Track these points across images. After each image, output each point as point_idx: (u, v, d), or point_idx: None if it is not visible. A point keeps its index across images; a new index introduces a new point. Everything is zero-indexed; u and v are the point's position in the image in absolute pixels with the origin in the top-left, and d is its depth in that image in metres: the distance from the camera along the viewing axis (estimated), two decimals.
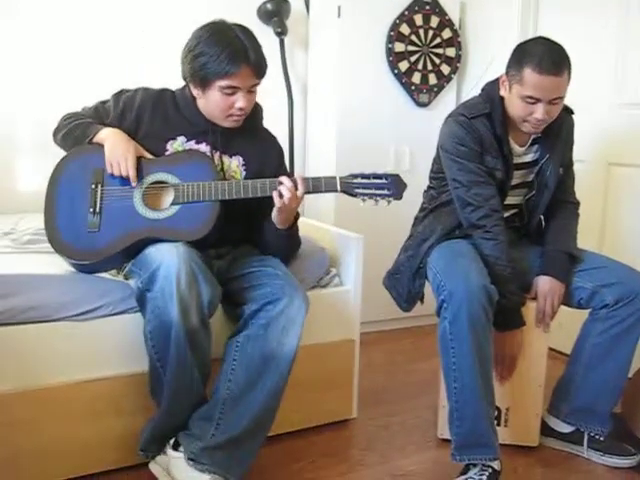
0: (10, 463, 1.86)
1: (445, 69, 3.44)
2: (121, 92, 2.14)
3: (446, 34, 3.42)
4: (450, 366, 2.00)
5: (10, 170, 2.93)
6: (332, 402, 2.38)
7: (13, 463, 1.86)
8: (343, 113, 3.25)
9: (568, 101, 2.18)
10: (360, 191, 2.01)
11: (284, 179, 1.96)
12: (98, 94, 2.22)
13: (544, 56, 1.98)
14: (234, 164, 2.11)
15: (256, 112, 2.19)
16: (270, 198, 1.97)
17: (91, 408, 1.95)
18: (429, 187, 2.37)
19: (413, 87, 3.37)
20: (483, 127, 2.13)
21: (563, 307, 2.20)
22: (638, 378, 2.34)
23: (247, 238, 2.19)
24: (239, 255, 2.15)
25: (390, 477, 2.10)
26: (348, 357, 2.40)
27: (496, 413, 2.15)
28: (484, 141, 2.14)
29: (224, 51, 1.90)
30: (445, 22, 3.41)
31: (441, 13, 3.39)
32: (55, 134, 2.13)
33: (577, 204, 2.34)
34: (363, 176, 2.02)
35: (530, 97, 2.02)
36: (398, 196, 2.03)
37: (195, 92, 2.02)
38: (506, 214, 2.25)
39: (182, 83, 2.09)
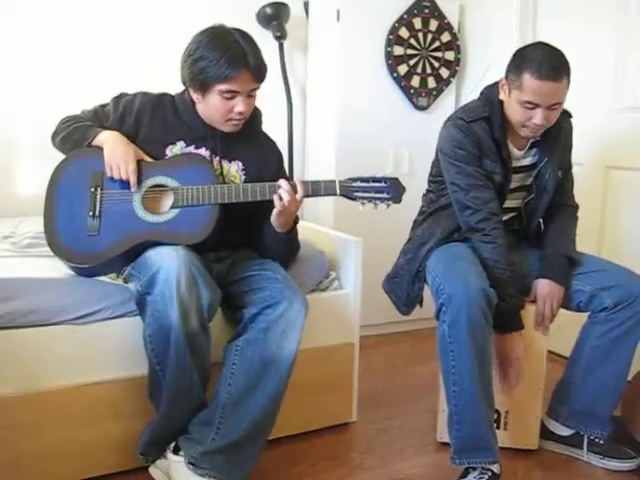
0: (10, 466, 1.85)
1: (444, 72, 3.45)
2: (121, 96, 2.14)
3: (445, 37, 3.43)
4: (449, 369, 2.00)
5: (9, 173, 2.93)
6: (332, 406, 2.38)
7: (13, 466, 1.86)
8: (342, 117, 3.26)
9: (567, 104, 2.18)
10: (359, 195, 2.01)
11: (283, 183, 1.96)
12: (98, 97, 2.22)
13: (543, 62, 1.98)
14: (233, 169, 2.11)
15: (255, 116, 2.19)
16: (269, 202, 1.97)
17: (90, 412, 1.95)
18: (428, 190, 2.38)
19: (412, 91, 3.37)
20: (482, 131, 2.14)
21: (562, 310, 2.20)
22: (637, 381, 2.34)
23: (246, 242, 2.19)
24: (239, 259, 2.15)
25: None
26: (348, 361, 2.40)
27: (495, 416, 2.15)
28: (483, 145, 2.14)
29: (224, 55, 1.91)
30: (444, 25, 3.42)
31: (440, 16, 3.40)
32: (54, 137, 2.12)
33: (576, 207, 2.35)
34: (362, 179, 2.02)
35: (529, 102, 2.02)
36: (397, 199, 2.03)
37: (194, 96, 2.02)
38: (505, 217, 2.26)
39: (182, 87, 2.09)
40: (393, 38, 3.28)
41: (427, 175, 2.38)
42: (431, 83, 3.42)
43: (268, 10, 3.24)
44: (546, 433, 2.27)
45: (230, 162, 2.11)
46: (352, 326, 2.40)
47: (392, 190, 2.03)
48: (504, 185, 2.19)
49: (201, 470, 1.82)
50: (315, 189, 2.00)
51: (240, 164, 2.13)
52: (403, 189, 2.04)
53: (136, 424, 1.96)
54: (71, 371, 1.93)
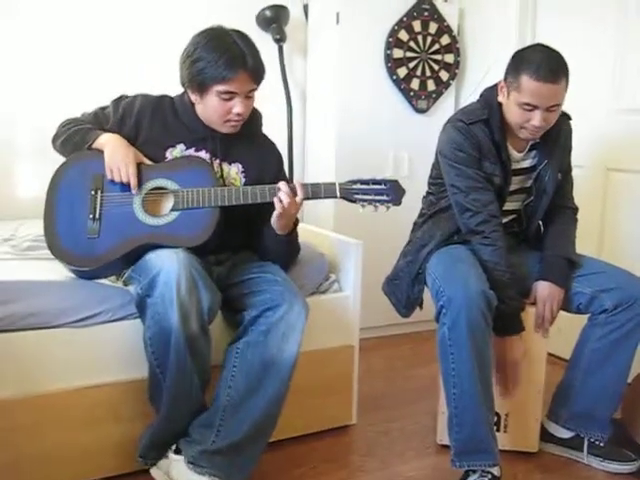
0: (10, 468, 1.85)
1: (444, 75, 3.45)
2: (120, 98, 2.14)
3: (444, 40, 3.43)
4: (449, 372, 2.00)
5: (9, 176, 2.93)
6: (332, 408, 2.38)
7: (14, 468, 1.86)
8: (342, 119, 3.26)
9: (566, 106, 2.18)
10: (359, 197, 2.01)
11: (283, 185, 1.96)
12: (98, 98, 2.22)
13: (542, 63, 1.98)
14: (233, 171, 2.11)
15: (255, 118, 2.19)
16: (269, 204, 1.97)
17: (90, 414, 1.95)
18: (428, 193, 2.38)
19: (412, 93, 3.38)
20: (481, 133, 2.14)
21: (562, 312, 2.20)
22: (637, 383, 2.34)
23: (247, 244, 2.19)
24: (239, 261, 2.15)
25: None
26: (347, 363, 2.40)
27: (495, 419, 2.15)
28: (482, 147, 2.14)
29: (222, 57, 1.91)
30: (443, 28, 3.42)
31: (439, 19, 3.40)
32: (54, 140, 2.12)
33: (576, 209, 2.35)
34: (362, 182, 2.02)
35: (527, 104, 2.03)
36: (397, 202, 2.03)
37: (193, 97, 2.02)
38: (505, 220, 2.26)
39: (182, 89, 2.09)
40: (393, 41, 3.29)
41: (427, 177, 2.38)
42: (431, 86, 3.42)
43: (268, 13, 3.24)
44: (546, 436, 2.27)
45: (230, 164, 2.11)
46: (352, 328, 2.40)
47: (392, 192, 2.02)
48: (504, 187, 2.19)
49: (200, 469, 1.82)
50: (315, 191, 2.00)
51: (240, 166, 2.13)
52: (403, 191, 2.04)
53: (136, 427, 1.96)
54: (71, 374, 1.93)
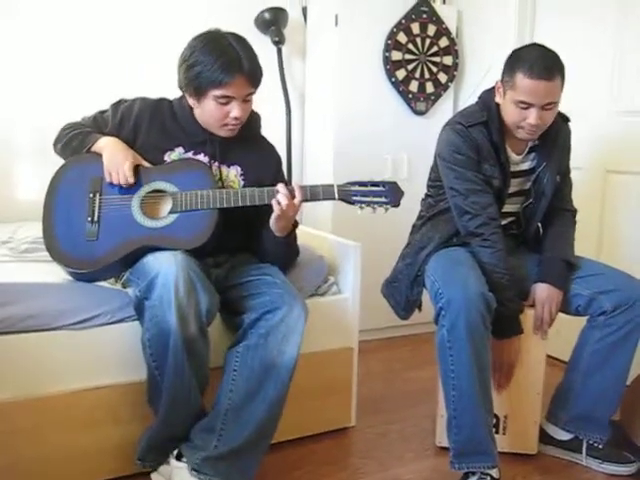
0: (10, 471, 1.85)
1: (442, 77, 3.46)
2: (119, 102, 2.14)
3: (443, 42, 3.43)
4: (448, 374, 2.00)
5: (8, 178, 2.93)
6: (331, 410, 2.38)
7: (13, 471, 1.86)
8: (341, 121, 3.26)
9: (566, 108, 2.19)
10: (358, 199, 2.01)
11: (281, 187, 1.96)
12: (97, 100, 2.23)
13: (537, 61, 1.99)
14: (232, 174, 2.11)
15: (254, 121, 2.19)
16: (268, 206, 1.97)
17: (89, 417, 1.94)
18: (427, 195, 2.38)
19: (410, 95, 3.38)
20: (480, 135, 2.14)
21: (561, 314, 2.20)
22: (636, 385, 2.34)
23: (245, 246, 2.19)
24: (237, 263, 2.15)
25: None
26: (347, 365, 2.40)
27: (494, 421, 2.15)
28: (481, 149, 2.14)
29: (218, 60, 1.90)
30: (442, 30, 3.43)
31: (438, 22, 3.41)
32: (55, 144, 2.13)
33: (574, 212, 2.35)
34: (360, 184, 2.02)
35: (522, 102, 2.03)
36: (395, 204, 2.03)
37: (191, 102, 2.02)
38: (503, 222, 2.26)
39: (180, 92, 2.09)
40: (391, 43, 3.29)
41: (426, 180, 2.38)
42: (429, 88, 3.43)
43: (266, 15, 3.25)
44: (545, 438, 2.27)
45: (229, 167, 2.11)
46: (351, 331, 2.40)
47: (390, 194, 2.02)
48: (503, 190, 2.19)
49: (204, 476, 1.82)
50: (313, 193, 2.00)
51: (239, 169, 2.13)
52: (401, 193, 2.04)
53: (135, 429, 1.96)
54: (70, 376, 1.92)
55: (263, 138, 2.25)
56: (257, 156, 2.16)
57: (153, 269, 1.83)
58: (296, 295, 1.98)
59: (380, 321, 3.20)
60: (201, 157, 2.07)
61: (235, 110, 1.97)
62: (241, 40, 1.98)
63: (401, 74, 3.34)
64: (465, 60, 3.57)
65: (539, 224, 2.33)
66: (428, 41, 3.39)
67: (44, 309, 1.89)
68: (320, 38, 3.36)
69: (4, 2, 2.84)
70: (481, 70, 3.36)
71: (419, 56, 3.37)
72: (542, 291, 2.16)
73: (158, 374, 1.85)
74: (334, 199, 2.01)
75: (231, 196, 1.97)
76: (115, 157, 1.99)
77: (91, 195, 2.00)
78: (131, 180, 1.97)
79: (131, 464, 1.94)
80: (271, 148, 2.24)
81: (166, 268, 1.80)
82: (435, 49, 3.41)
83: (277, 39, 3.26)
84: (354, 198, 2.01)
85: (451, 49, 3.47)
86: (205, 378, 1.92)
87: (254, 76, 1.97)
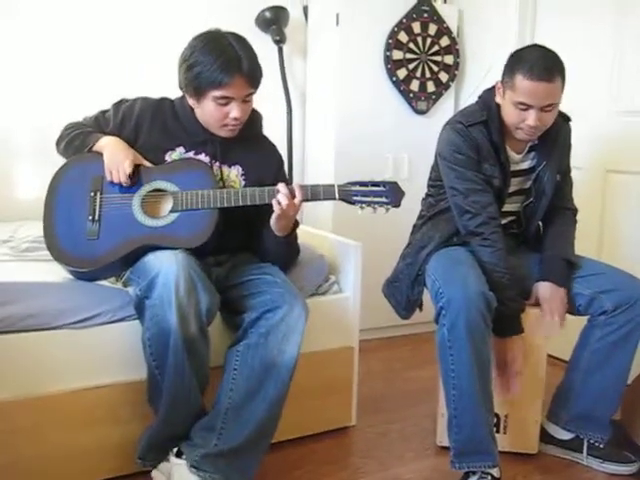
0: (10, 470, 1.85)
1: (443, 77, 3.46)
2: (121, 102, 2.14)
3: (444, 42, 3.43)
4: (449, 373, 2.00)
5: (9, 177, 2.93)
6: (331, 410, 2.38)
7: (13, 470, 1.86)
8: (342, 121, 3.26)
9: (566, 107, 2.19)
10: (358, 199, 2.01)
11: (281, 187, 1.96)
12: (98, 100, 2.23)
13: (537, 62, 1.99)
14: (233, 174, 2.11)
15: (256, 120, 2.19)
16: (269, 206, 1.97)
17: (90, 416, 1.94)
18: (427, 195, 2.38)
19: (411, 95, 3.38)
20: (480, 135, 2.14)
21: None
22: (637, 384, 2.34)
23: (246, 246, 2.19)
24: (238, 263, 2.15)
25: None
26: (347, 364, 2.40)
27: (495, 420, 2.15)
28: (481, 149, 2.14)
29: (217, 60, 1.90)
30: (443, 30, 3.42)
31: (439, 21, 3.41)
32: (57, 144, 2.14)
33: (575, 211, 2.35)
34: (361, 184, 2.02)
35: (522, 103, 2.03)
36: (396, 204, 2.02)
37: (191, 102, 2.02)
38: (504, 221, 2.26)
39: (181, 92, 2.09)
40: (392, 42, 3.29)
41: (426, 179, 2.38)
42: (430, 87, 3.43)
43: (267, 14, 3.24)
44: (546, 437, 2.27)
45: (230, 167, 2.11)
46: (351, 330, 2.40)
47: (391, 194, 2.02)
48: (503, 189, 2.19)
49: (203, 473, 1.82)
50: (314, 193, 2.00)
51: (240, 169, 2.12)
52: (402, 193, 2.04)
53: (135, 428, 1.96)
54: (70, 375, 1.92)
55: (265, 138, 2.25)
56: (258, 156, 2.16)
57: (154, 268, 1.83)
58: (297, 294, 1.98)
59: (381, 320, 3.20)
60: (202, 157, 2.07)
61: (235, 111, 1.97)
62: (241, 40, 1.98)
63: (402, 73, 3.33)
64: (466, 59, 3.57)
65: (539, 223, 2.33)
66: (429, 40, 3.39)
67: (44, 308, 1.89)
68: (321, 37, 3.36)
69: (4, 2, 2.84)
70: (482, 69, 3.36)
71: (420, 55, 3.37)
72: (545, 289, 2.16)
73: (158, 373, 1.85)
74: (335, 199, 2.01)
75: (231, 195, 1.97)
76: (116, 156, 1.99)
77: (92, 194, 2.00)
78: (128, 173, 1.96)
79: (131, 463, 1.95)
80: (272, 148, 2.24)
81: (167, 267, 1.80)
82: (436, 48, 3.41)
83: (278, 38, 3.26)
84: (355, 198, 2.01)
85: (452, 48, 3.46)
86: (205, 377, 1.92)
87: (253, 77, 1.97)
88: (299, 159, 3.54)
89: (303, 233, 2.29)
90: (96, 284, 2.03)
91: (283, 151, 2.39)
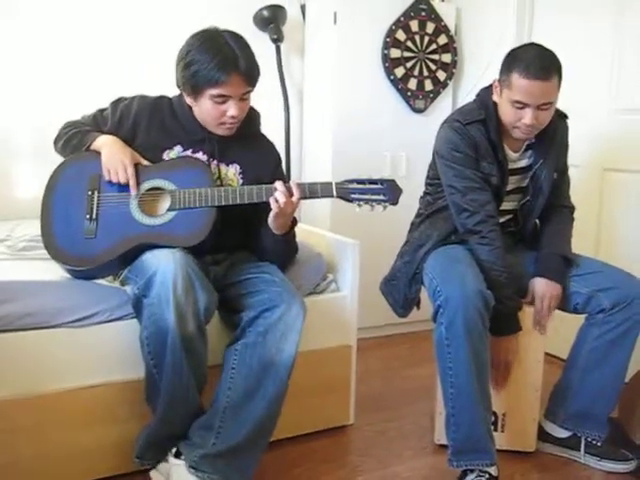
0: (10, 469, 1.85)
1: (441, 75, 3.45)
2: (119, 100, 2.14)
3: (442, 40, 3.43)
4: (446, 371, 2.00)
5: (7, 176, 2.92)
6: (329, 408, 2.38)
7: (13, 469, 1.86)
8: (339, 119, 3.26)
9: (563, 106, 2.19)
10: (356, 196, 2.01)
11: (279, 185, 1.95)
12: (96, 99, 2.23)
13: (533, 61, 1.99)
14: (231, 172, 2.11)
15: (253, 118, 2.19)
16: (266, 204, 1.96)
17: (88, 415, 1.95)
18: (425, 193, 2.38)
19: (409, 93, 3.38)
20: (478, 133, 2.14)
21: (559, 312, 2.20)
22: (635, 383, 2.34)
23: (244, 244, 2.19)
24: (236, 261, 2.15)
25: None
26: (345, 363, 2.40)
27: (493, 418, 2.15)
28: (479, 147, 2.14)
29: (214, 59, 1.89)
30: (441, 28, 3.42)
31: (437, 19, 3.40)
32: (55, 143, 2.14)
33: (572, 209, 2.35)
34: (359, 181, 2.02)
35: (518, 102, 2.03)
36: (394, 201, 2.02)
37: (188, 100, 2.02)
38: (501, 219, 2.26)
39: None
40: (390, 41, 3.29)
41: (424, 177, 2.38)
42: (428, 85, 3.42)
43: (265, 13, 3.24)
44: (543, 435, 2.27)
45: (228, 165, 2.11)
46: (349, 328, 2.40)
47: (388, 192, 2.02)
48: (501, 187, 2.19)
49: (202, 473, 1.82)
50: (312, 191, 2.00)
51: (238, 167, 2.12)
52: (400, 191, 2.03)
53: (133, 427, 1.96)
54: (68, 374, 1.92)
55: (262, 136, 2.25)
56: (256, 154, 2.16)
57: (151, 267, 1.82)
58: (295, 293, 1.98)
59: (379, 319, 3.20)
60: (200, 155, 2.07)
61: (232, 109, 1.97)
62: (238, 38, 1.97)
63: (400, 72, 3.33)
64: (464, 58, 3.57)
65: (537, 221, 2.33)
66: (427, 39, 3.38)
67: (42, 307, 1.89)
68: (319, 36, 3.36)
69: (4, 2, 2.83)
70: (480, 68, 3.36)
71: (418, 54, 3.37)
72: (540, 286, 2.16)
73: (156, 372, 1.85)
74: (332, 197, 2.01)
75: (229, 194, 1.97)
76: (114, 155, 1.99)
77: (89, 193, 2.00)
78: (134, 185, 1.96)
79: (130, 462, 1.94)
80: (270, 146, 2.24)
81: (164, 266, 1.80)
82: (434, 47, 3.41)
83: (276, 37, 3.26)
84: (352, 196, 2.01)
85: (450, 47, 3.46)
86: (203, 376, 1.92)
87: (251, 75, 1.96)
88: (297, 157, 3.53)
89: (301, 231, 2.29)
90: (94, 283, 2.03)
91: (281, 149, 2.39)
